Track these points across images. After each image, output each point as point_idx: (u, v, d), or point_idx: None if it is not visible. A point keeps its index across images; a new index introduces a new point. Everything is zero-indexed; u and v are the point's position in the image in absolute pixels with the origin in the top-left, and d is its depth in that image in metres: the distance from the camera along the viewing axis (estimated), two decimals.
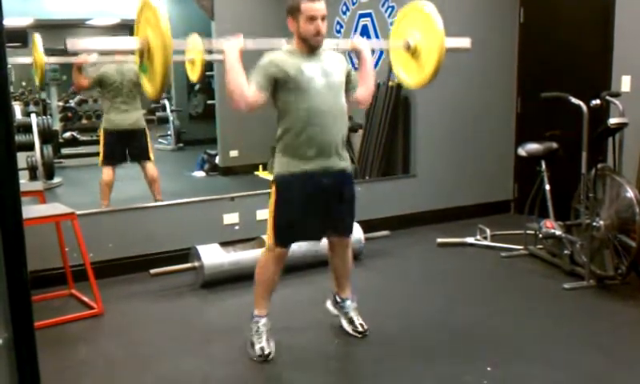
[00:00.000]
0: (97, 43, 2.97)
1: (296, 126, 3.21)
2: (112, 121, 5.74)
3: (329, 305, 3.76)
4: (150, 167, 5.82)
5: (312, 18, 3.15)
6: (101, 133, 5.84)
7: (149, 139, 5.93)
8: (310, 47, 3.22)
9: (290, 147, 3.26)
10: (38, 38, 5.56)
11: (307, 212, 3.29)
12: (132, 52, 3.03)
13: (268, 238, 3.37)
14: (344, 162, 3.37)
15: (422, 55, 3.58)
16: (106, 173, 5.72)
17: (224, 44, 3.25)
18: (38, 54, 5.58)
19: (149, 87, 3.08)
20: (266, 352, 3.33)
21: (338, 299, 3.69)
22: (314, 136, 3.21)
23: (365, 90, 3.51)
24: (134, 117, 5.80)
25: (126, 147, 5.82)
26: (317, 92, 3.20)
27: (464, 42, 3.79)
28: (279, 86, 3.20)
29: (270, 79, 3.16)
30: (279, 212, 3.29)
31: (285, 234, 3.33)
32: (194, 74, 6.20)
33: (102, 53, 3.02)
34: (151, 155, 5.88)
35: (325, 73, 3.25)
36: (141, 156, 5.85)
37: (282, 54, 3.23)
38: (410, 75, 3.71)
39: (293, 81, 3.17)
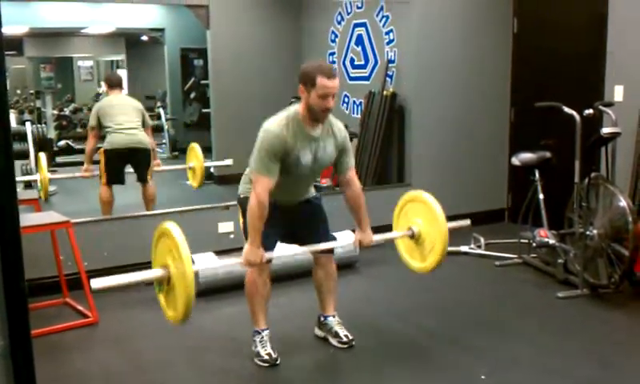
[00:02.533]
0: (119, 279, 3.09)
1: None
2: (114, 139, 5.54)
3: (316, 331, 3.77)
4: (151, 189, 5.74)
5: (325, 96, 3.18)
6: (101, 154, 5.62)
7: (152, 160, 5.81)
8: (315, 119, 3.26)
9: None
10: (42, 158, 5.62)
11: (274, 229, 3.35)
12: (155, 280, 3.12)
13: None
14: (310, 194, 3.55)
15: (425, 243, 3.69)
16: (104, 193, 5.58)
17: (246, 255, 3.26)
18: (42, 172, 5.62)
19: (168, 311, 3.12)
20: (274, 356, 3.39)
21: (322, 318, 3.71)
22: (287, 192, 3.36)
23: (356, 198, 3.56)
24: (139, 135, 5.64)
25: (125, 166, 5.67)
26: (301, 171, 3.31)
27: (464, 223, 3.95)
28: None
29: (279, 157, 3.21)
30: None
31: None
32: (194, 181, 6.35)
33: (125, 286, 3.15)
34: (150, 177, 5.76)
35: (316, 158, 3.33)
36: (143, 175, 5.71)
37: (289, 130, 3.22)
38: (414, 261, 3.81)
39: (286, 163, 3.24)
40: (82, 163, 7.69)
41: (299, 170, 3.29)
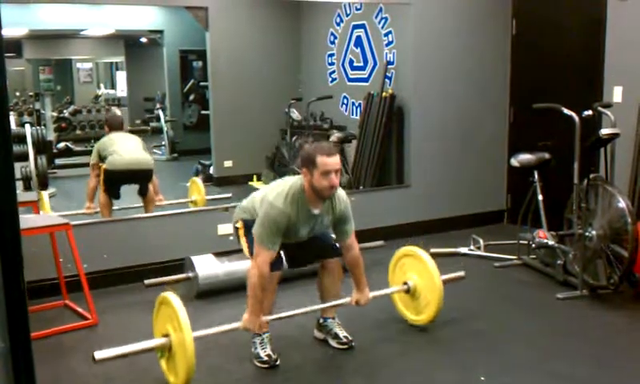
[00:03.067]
0: (121, 350, 3.17)
1: None
2: (116, 160, 5.43)
3: (315, 333, 3.79)
4: (151, 196, 5.70)
5: (327, 173, 3.20)
6: (101, 172, 5.49)
7: (153, 179, 5.73)
8: (322, 198, 3.31)
9: None
10: (45, 196, 5.60)
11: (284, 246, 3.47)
12: (156, 348, 3.24)
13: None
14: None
15: (420, 298, 3.85)
16: (104, 197, 5.52)
17: (245, 323, 3.35)
18: (45, 208, 5.60)
19: (170, 377, 3.22)
20: (274, 357, 3.41)
21: (321, 320, 3.72)
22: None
23: (355, 261, 3.62)
24: (142, 155, 5.60)
25: (123, 185, 5.60)
26: (295, 240, 3.45)
27: (458, 274, 4.15)
28: None
29: (280, 233, 3.29)
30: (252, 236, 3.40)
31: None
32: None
33: (129, 355, 3.21)
34: (151, 187, 5.71)
35: (313, 229, 3.43)
36: (144, 190, 5.67)
37: (289, 212, 3.28)
38: (410, 314, 3.95)
39: (285, 234, 3.33)
40: (80, 165, 7.70)
41: (295, 237, 3.42)
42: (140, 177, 5.62)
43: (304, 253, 3.62)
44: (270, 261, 3.26)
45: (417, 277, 3.86)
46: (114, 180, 5.50)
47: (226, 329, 3.39)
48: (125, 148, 5.53)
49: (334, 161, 3.22)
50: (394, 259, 4.04)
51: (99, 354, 3.06)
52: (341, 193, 3.46)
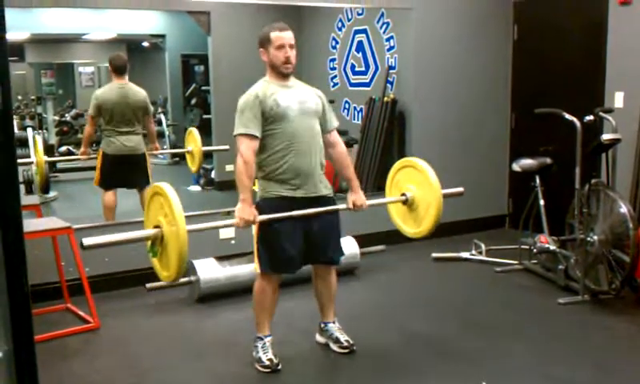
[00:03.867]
0: (110, 238, 3.11)
1: (276, 153, 3.33)
2: (111, 144, 5.57)
3: (317, 337, 3.78)
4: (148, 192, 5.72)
5: (281, 46, 3.32)
6: (99, 155, 5.65)
7: (149, 164, 5.80)
8: (281, 75, 3.36)
9: (271, 174, 3.36)
10: (38, 139, 5.64)
11: (290, 238, 3.36)
12: (146, 239, 3.12)
13: (256, 265, 3.44)
14: (326, 189, 3.48)
15: (419, 208, 3.72)
16: (107, 198, 5.57)
17: (239, 213, 3.28)
18: (38, 155, 5.64)
19: (164, 274, 3.12)
20: (275, 362, 3.40)
21: (322, 325, 3.72)
22: (294, 161, 3.32)
23: (342, 158, 3.61)
24: (133, 141, 5.64)
25: (124, 173, 5.66)
26: (292, 118, 3.33)
27: (457, 190, 3.98)
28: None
29: (258, 115, 3.29)
30: (263, 237, 3.36)
31: (271, 261, 3.38)
32: (193, 165, 6.46)
33: (116, 244, 3.16)
34: (150, 180, 5.69)
35: (299, 101, 3.38)
36: (139, 183, 5.67)
37: (259, 87, 3.35)
38: (408, 226, 3.85)
39: (270, 113, 3.30)
40: (83, 169, 7.71)
41: (288, 116, 3.31)
42: (134, 163, 5.69)
43: (313, 246, 3.46)
44: (251, 147, 3.24)
45: (415, 187, 3.72)
46: (109, 166, 5.61)
47: (222, 224, 3.41)
48: (121, 123, 5.59)
49: (288, 35, 3.35)
50: (393, 171, 3.89)
51: (87, 241, 2.97)
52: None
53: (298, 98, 3.37)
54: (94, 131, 5.75)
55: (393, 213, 3.91)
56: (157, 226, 3.06)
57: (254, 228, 3.39)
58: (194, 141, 6.38)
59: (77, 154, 9.01)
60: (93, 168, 5.93)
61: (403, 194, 3.74)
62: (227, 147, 6.29)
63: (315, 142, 3.41)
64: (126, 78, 5.75)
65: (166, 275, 3.09)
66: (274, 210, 3.31)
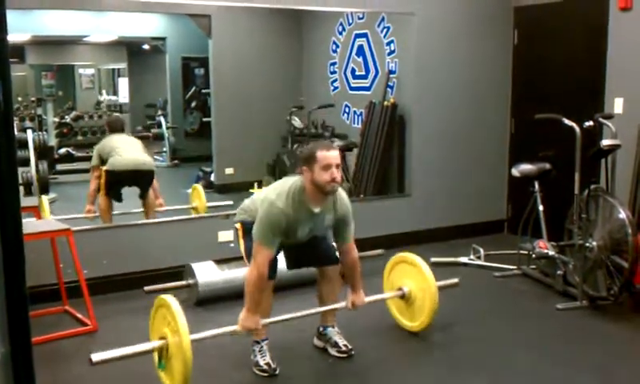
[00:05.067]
0: (118, 352, 3.16)
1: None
2: (118, 160, 5.44)
3: (315, 341, 3.79)
4: (151, 200, 5.69)
5: (327, 166, 3.23)
6: (102, 174, 5.51)
7: (154, 182, 5.73)
8: (324, 194, 3.31)
9: None
10: (45, 201, 5.61)
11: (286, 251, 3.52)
12: (153, 351, 3.22)
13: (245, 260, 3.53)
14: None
15: (415, 303, 3.86)
16: (103, 200, 5.53)
17: (243, 322, 3.35)
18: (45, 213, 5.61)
19: (167, 382, 3.20)
20: (273, 366, 3.41)
21: (321, 329, 3.72)
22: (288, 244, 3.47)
23: (352, 264, 3.63)
24: (144, 156, 5.60)
25: (130, 183, 5.61)
26: (294, 241, 3.45)
27: (453, 281, 4.13)
28: None
29: (279, 233, 3.30)
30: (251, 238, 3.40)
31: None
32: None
33: (125, 358, 3.20)
34: (151, 192, 5.70)
35: (312, 230, 3.43)
36: (144, 192, 5.67)
37: (288, 212, 3.29)
38: (405, 320, 3.97)
39: (284, 233, 3.33)
40: (82, 171, 7.69)
41: (295, 236, 3.41)
42: (141, 178, 5.63)
43: (304, 255, 3.61)
44: (268, 261, 3.26)
45: (412, 282, 3.85)
46: (115, 181, 5.51)
47: (225, 331, 3.38)
48: (126, 149, 5.55)
49: (334, 154, 3.27)
50: (389, 265, 4.05)
51: (96, 357, 3.04)
52: (343, 194, 3.48)
53: (314, 227, 3.42)
54: (97, 185, 5.55)
55: (391, 306, 4.07)
56: (162, 338, 3.18)
57: (239, 233, 3.55)
58: (198, 197, 6.34)
59: (78, 155, 9.04)
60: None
61: (400, 289, 3.90)
62: (231, 203, 6.25)
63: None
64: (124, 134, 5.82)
65: None
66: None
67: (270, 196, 3.33)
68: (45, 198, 5.86)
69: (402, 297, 3.87)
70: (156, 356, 3.22)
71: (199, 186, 6.51)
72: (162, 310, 3.23)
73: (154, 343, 3.21)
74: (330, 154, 3.25)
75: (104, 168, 5.52)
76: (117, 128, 5.85)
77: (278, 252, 3.46)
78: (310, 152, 3.29)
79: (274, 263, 3.43)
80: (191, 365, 3.02)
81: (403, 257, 3.97)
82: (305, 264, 3.74)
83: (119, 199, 5.67)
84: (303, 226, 3.36)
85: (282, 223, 3.26)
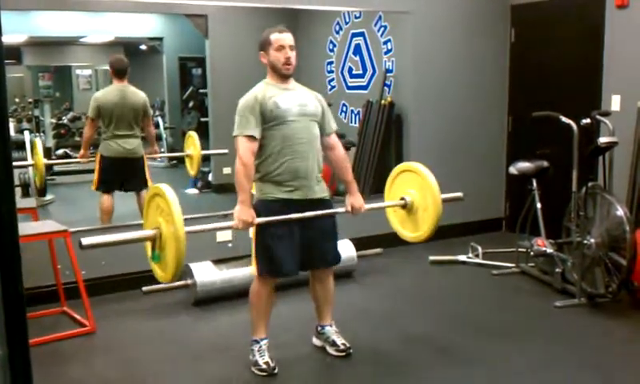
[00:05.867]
0: (109, 238, 3.15)
1: (273, 155, 3.33)
2: (109, 147, 5.54)
3: (314, 340, 3.78)
4: (146, 195, 5.70)
5: (281, 47, 3.35)
6: (97, 158, 5.63)
7: (146, 167, 5.77)
8: (282, 76, 3.38)
9: (269, 175, 3.36)
10: (38, 142, 5.63)
11: (286, 242, 3.35)
12: (145, 239, 3.12)
13: (253, 268, 3.44)
14: (323, 192, 3.47)
15: (418, 213, 3.72)
16: (105, 200, 5.55)
17: (237, 215, 3.30)
18: (38, 157, 5.63)
19: (161, 274, 3.12)
20: (272, 365, 3.39)
21: (319, 328, 3.71)
22: (291, 163, 3.33)
23: (341, 161, 3.61)
24: (132, 144, 5.61)
25: (122, 176, 5.65)
26: (291, 120, 3.34)
27: (457, 195, 3.96)
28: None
29: (257, 116, 3.29)
30: (260, 241, 3.37)
31: (267, 264, 3.38)
32: (192, 169, 6.52)
33: (115, 244, 3.15)
34: (149, 183, 5.68)
35: (299, 103, 3.39)
36: (137, 186, 5.67)
37: (259, 89, 3.37)
38: (407, 230, 3.85)
39: (270, 115, 3.30)
40: (80, 172, 7.71)
41: (287, 118, 3.32)
42: (133, 166, 5.66)
43: (311, 250, 3.46)
44: (249, 149, 3.25)
45: (415, 192, 3.71)
46: (108, 169, 5.57)
47: (221, 226, 3.41)
48: (120, 126, 5.55)
49: (287, 36, 3.39)
50: (392, 175, 3.87)
51: (86, 240, 2.96)
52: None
53: (298, 101, 3.38)
54: (93, 134, 5.71)
55: (391, 216, 3.90)
56: (156, 227, 3.06)
57: (253, 230, 3.39)
58: (193, 144, 6.39)
59: (75, 157, 9.04)
60: (90, 171, 5.92)
61: (402, 198, 3.73)
62: (226, 151, 6.28)
63: (313, 144, 3.41)
64: (126, 80, 5.73)
65: (163, 276, 3.09)
66: (270, 212, 3.31)
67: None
68: (37, 141, 5.88)
69: (404, 206, 3.73)
70: (149, 248, 3.10)
71: (193, 134, 6.53)
72: (156, 199, 3.09)
73: (148, 232, 3.09)
74: (283, 36, 3.38)
75: (98, 152, 5.60)
76: (121, 72, 5.73)
77: (289, 242, 3.37)
78: (265, 36, 3.42)
79: (290, 258, 3.37)
80: (185, 252, 2.92)
81: (408, 165, 3.85)
82: (310, 265, 3.57)
83: (113, 187, 5.66)
84: (280, 97, 3.33)
85: (252, 102, 3.29)
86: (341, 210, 3.56)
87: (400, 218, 3.85)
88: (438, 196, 3.60)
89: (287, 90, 3.39)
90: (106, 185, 5.60)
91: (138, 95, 5.75)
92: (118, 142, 5.55)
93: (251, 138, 3.26)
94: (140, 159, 5.71)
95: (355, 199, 3.56)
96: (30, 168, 7.16)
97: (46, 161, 5.73)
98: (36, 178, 5.75)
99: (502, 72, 6.26)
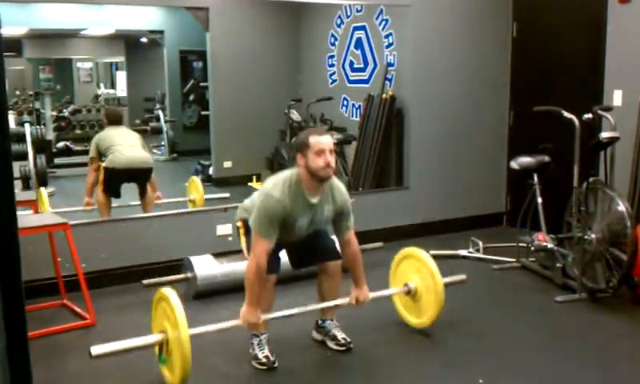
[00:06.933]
0: (118, 345, 3.16)
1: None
2: (116, 159, 5.42)
3: (314, 334, 3.78)
4: (149, 196, 5.67)
5: (321, 152, 3.23)
6: (102, 170, 5.50)
7: (152, 178, 5.72)
8: (320, 179, 3.29)
9: None
10: (44, 193, 5.59)
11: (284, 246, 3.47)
12: (152, 345, 3.22)
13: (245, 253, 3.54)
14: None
15: (422, 299, 3.81)
16: (102, 196, 5.53)
17: (244, 317, 3.34)
18: (44, 205, 5.59)
19: (170, 377, 3.20)
20: (272, 359, 3.40)
21: (320, 322, 3.71)
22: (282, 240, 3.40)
23: (355, 258, 3.62)
24: (142, 153, 5.59)
25: (123, 183, 5.60)
26: (295, 233, 3.40)
27: (460, 277, 4.10)
28: None
29: (275, 223, 3.26)
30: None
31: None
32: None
33: (124, 352, 3.19)
34: (149, 187, 5.69)
35: (312, 221, 3.40)
36: (143, 187, 5.66)
37: (289, 196, 3.28)
38: (411, 317, 3.92)
39: (283, 227, 3.31)
40: (80, 165, 7.69)
41: (294, 230, 3.38)
42: (140, 175, 5.61)
43: (306, 253, 3.59)
44: (267, 252, 3.24)
45: (418, 279, 3.82)
46: (114, 179, 5.50)
47: (225, 326, 3.38)
48: (124, 145, 5.52)
49: (327, 140, 3.28)
50: (396, 261, 4.00)
51: (96, 350, 3.04)
52: (340, 185, 3.48)
53: (314, 218, 3.38)
54: (95, 177, 5.55)
55: (396, 300, 4.02)
56: (162, 332, 3.18)
57: (240, 230, 3.55)
58: (196, 189, 6.33)
59: (76, 150, 9.03)
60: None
61: (406, 285, 3.84)
62: (228, 195, 6.23)
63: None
64: (122, 126, 5.79)
65: (171, 378, 3.19)
66: None
67: (266, 187, 3.33)
68: (44, 191, 5.85)
69: (408, 293, 3.83)
70: (156, 350, 3.21)
71: (196, 179, 6.50)
72: (162, 304, 3.22)
73: (154, 337, 3.20)
74: (323, 139, 3.27)
75: (103, 165, 5.51)
76: (115, 120, 5.81)
77: (280, 249, 3.45)
78: (303, 139, 3.30)
79: (276, 258, 3.43)
80: (190, 359, 3.01)
81: (410, 252, 3.93)
82: (307, 263, 3.71)
83: (117, 196, 5.66)
84: (302, 218, 3.33)
85: (279, 213, 3.24)
86: (344, 301, 3.63)
87: (404, 304, 3.97)
88: (441, 283, 3.71)
89: (312, 206, 3.33)
90: (113, 190, 5.56)
91: (135, 133, 5.82)
92: (124, 153, 5.47)
93: (269, 241, 3.25)
94: (149, 170, 5.65)
95: (361, 293, 3.62)
96: (30, 161, 7.16)
97: (51, 210, 5.63)
98: None
99: (503, 66, 6.24)
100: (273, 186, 3.29)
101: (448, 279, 3.86)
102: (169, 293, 3.15)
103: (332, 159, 3.26)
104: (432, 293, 3.73)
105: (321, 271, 3.65)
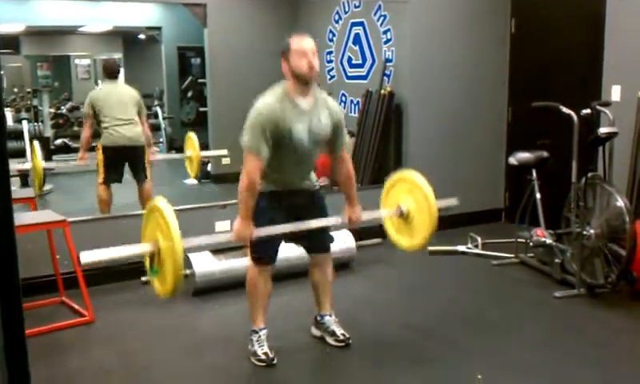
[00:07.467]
0: (108, 253, 3.13)
1: (270, 166, 3.28)
2: (110, 136, 5.53)
3: (313, 330, 3.77)
4: (147, 188, 5.69)
5: (303, 53, 3.27)
6: (99, 151, 5.61)
7: (147, 159, 5.77)
8: (304, 82, 3.29)
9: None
10: (37, 146, 5.61)
11: (277, 221, 3.35)
12: (143, 255, 3.14)
13: (248, 257, 3.49)
14: (311, 184, 3.52)
15: (414, 221, 3.71)
16: (103, 191, 5.56)
17: (237, 232, 3.29)
18: (36, 161, 5.61)
19: (160, 288, 3.13)
20: (271, 356, 3.39)
21: (318, 318, 3.71)
22: (285, 175, 3.39)
23: (348, 176, 3.59)
24: (133, 131, 5.60)
25: (124, 165, 5.68)
26: (300, 149, 3.32)
27: (452, 201, 3.94)
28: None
29: (267, 135, 3.21)
30: (255, 225, 3.32)
31: (260, 247, 3.38)
32: (192, 170, 6.50)
33: (114, 260, 3.15)
34: (148, 174, 5.72)
35: (311, 130, 3.33)
36: (139, 175, 5.69)
37: (275, 104, 3.25)
38: (403, 239, 3.83)
39: (281, 141, 3.25)
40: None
41: (294, 144, 3.28)
42: (136, 154, 5.68)
43: (303, 236, 3.49)
44: (258, 168, 3.20)
45: (410, 199, 3.71)
46: (113, 159, 5.58)
47: (219, 240, 3.41)
48: (119, 114, 5.55)
49: (308, 42, 3.33)
50: (387, 185, 3.88)
51: (84, 257, 2.97)
52: (331, 99, 3.52)
53: (312, 128, 3.32)
54: (91, 134, 5.68)
55: (387, 224, 3.91)
56: (154, 243, 3.09)
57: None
58: (192, 146, 6.35)
59: (74, 147, 9.01)
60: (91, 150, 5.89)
61: (399, 207, 3.75)
62: (225, 152, 6.26)
63: (313, 160, 3.47)
64: (119, 81, 5.77)
65: (162, 290, 3.11)
66: (263, 198, 3.32)
67: (255, 105, 3.30)
68: (36, 144, 5.88)
69: (401, 215, 3.73)
70: (147, 261, 3.11)
71: (193, 135, 6.52)
72: (154, 215, 3.11)
73: (146, 246, 3.10)
74: (304, 42, 3.32)
75: (100, 143, 5.59)
76: (112, 73, 5.82)
77: (278, 241, 3.43)
78: (286, 44, 3.33)
79: (274, 247, 3.42)
80: (182, 267, 2.96)
81: (404, 174, 3.85)
82: (299, 240, 3.59)
83: (120, 179, 5.70)
84: (296, 124, 3.26)
85: (270, 118, 3.20)
86: (337, 219, 3.58)
87: (396, 226, 3.86)
88: (434, 204, 3.61)
89: (304, 113, 3.29)
90: (112, 177, 5.61)
91: (130, 88, 5.84)
92: (118, 130, 5.55)
93: (261, 156, 3.21)
94: (141, 148, 5.71)
95: (353, 211, 3.59)
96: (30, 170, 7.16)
97: (44, 164, 5.71)
98: (35, 182, 5.74)
99: (501, 62, 6.24)
100: (261, 100, 3.29)
101: (441, 202, 3.69)
102: (161, 204, 3.05)
103: (315, 61, 3.31)
104: (425, 213, 3.61)
105: (312, 264, 3.68)
